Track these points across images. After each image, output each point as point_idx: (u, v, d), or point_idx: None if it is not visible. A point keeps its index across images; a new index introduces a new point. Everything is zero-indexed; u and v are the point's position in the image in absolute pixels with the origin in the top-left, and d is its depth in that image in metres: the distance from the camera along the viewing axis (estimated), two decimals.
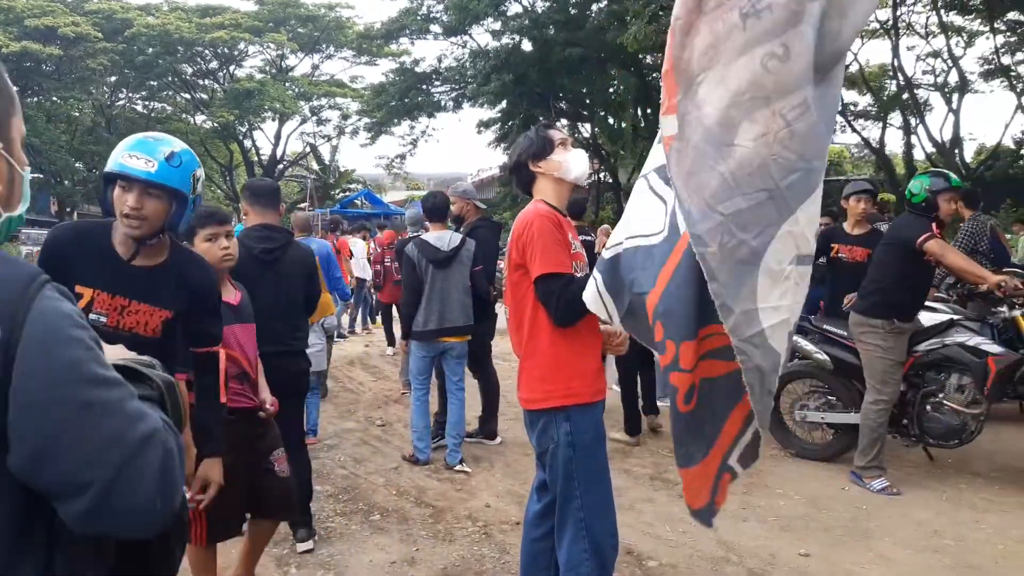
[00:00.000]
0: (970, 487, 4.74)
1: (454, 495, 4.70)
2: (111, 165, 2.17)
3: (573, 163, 2.81)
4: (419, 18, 24.07)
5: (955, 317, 4.84)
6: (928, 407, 4.79)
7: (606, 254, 2.42)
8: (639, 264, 2.27)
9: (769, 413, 2.07)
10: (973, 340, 4.69)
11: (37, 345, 0.92)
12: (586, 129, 26.23)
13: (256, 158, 35.97)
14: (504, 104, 23.80)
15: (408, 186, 40.32)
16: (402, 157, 30.89)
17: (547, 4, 22.17)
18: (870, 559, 3.79)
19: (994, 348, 4.63)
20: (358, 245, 11.77)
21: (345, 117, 34.60)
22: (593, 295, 2.45)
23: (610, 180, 24.09)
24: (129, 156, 2.14)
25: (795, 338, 5.29)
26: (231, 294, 3.05)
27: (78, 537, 0.99)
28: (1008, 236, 11.90)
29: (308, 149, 36.85)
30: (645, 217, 2.30)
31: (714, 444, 2.15)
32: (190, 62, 32.43)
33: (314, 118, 35.14)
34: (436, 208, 5.27)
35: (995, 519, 4.24)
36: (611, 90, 23.04)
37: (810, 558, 3.80)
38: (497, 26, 22.90)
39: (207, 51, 31.97)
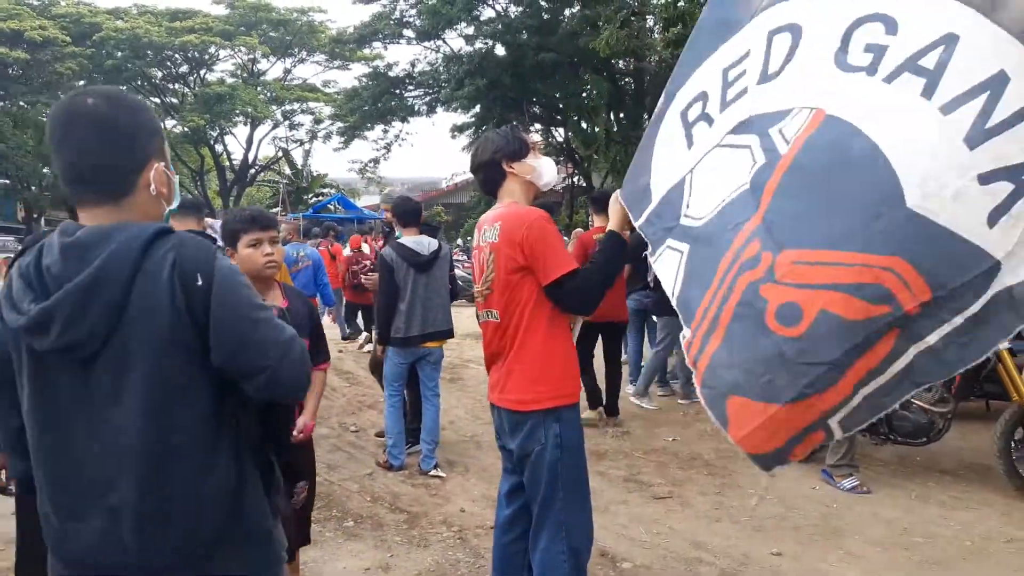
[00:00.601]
0: (938, 485, 4.81)
1: (428, 500, 4.68)
2: None
3: (545, 169, 2.84)
4: (392, 23, 24.03)
5: None
6: (897, 405, 4.83)
7: (694, 224, 2.28)
8: (739, 209, 2.07)
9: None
10: None
11: (223, 288, 1.47)
12: (560, 133, 26.31)
13: (228, 163, 35.65)
14: (478, 109, 23.82)
15: (382, 191, 40.17)
16: (375, 161, 30.78)
17: (520, 9, 22.23)
18: (840, 557, 3.83)
19: None
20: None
21: (318, 121, 34.44)
22: (671, 268, 2.32)
23: (583, 184, 24.20)
24: None
25: None
26: (277, 301, 2.85)
27: (249, 402, 1.57)
28: None
29: (280, 154, 36.59)
30: (730, 176, 2.16)
31: (815, 394, 1.83)
32: (160, 66, 32.13)
33: (286, 122, 34.96)
34: (410, 212, 5.25)
35: (963, 516, 4.31)
36: (584, 95, 23.15)
37: (782, 557, 3.84)
38: (470, 31, 22.93)
39: (177, 55, 31.68)
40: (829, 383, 1.80)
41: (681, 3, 13.09)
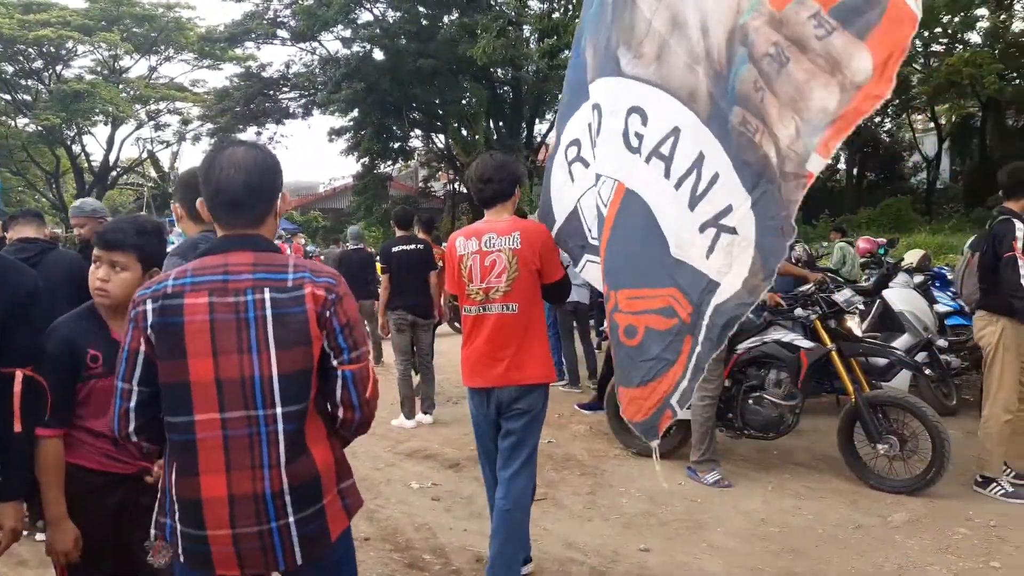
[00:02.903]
0: (793, 476, 5.10)
1: None
2: None
3: None
4: (265, 22, 23.38)
5: (772, 317, 5.22)
6: (750, 401, 5.14)
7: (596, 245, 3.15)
8: (594, 250, 3.11)
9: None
10: (788, 336, 5.08)
11: None
12: (440, 140, 26.29)
13: (86, 164, 33.55)
14: (356, 112, 23.49)
15: None
16: None
17: (398, 14, 22.09)
18: (703, 549, 3.99)
19: (805, 343, 5.04)
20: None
21: (186, 122, 32.97)
22: (596, 276, 3.21)
23: (464, 191, 24.30)
24: None
25: None
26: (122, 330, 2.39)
27: None
28: (825, 243, 13.16)
29: (145, 155, 34.78)
30: (595, 218, 3.10)
31: (652, 381, 2.73)
32: (11, 61, 29.74)
33: (151, 123, 33.27)
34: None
35: (815, 505, 4.58)
36: (464, 102, 23.27)
37: (649, 552, 3.96)
38: (347, 34, 22.63)
39: (31, 49, 29.45)
40: (660, 372, 2.69)
41: (556, 15, 13.43)
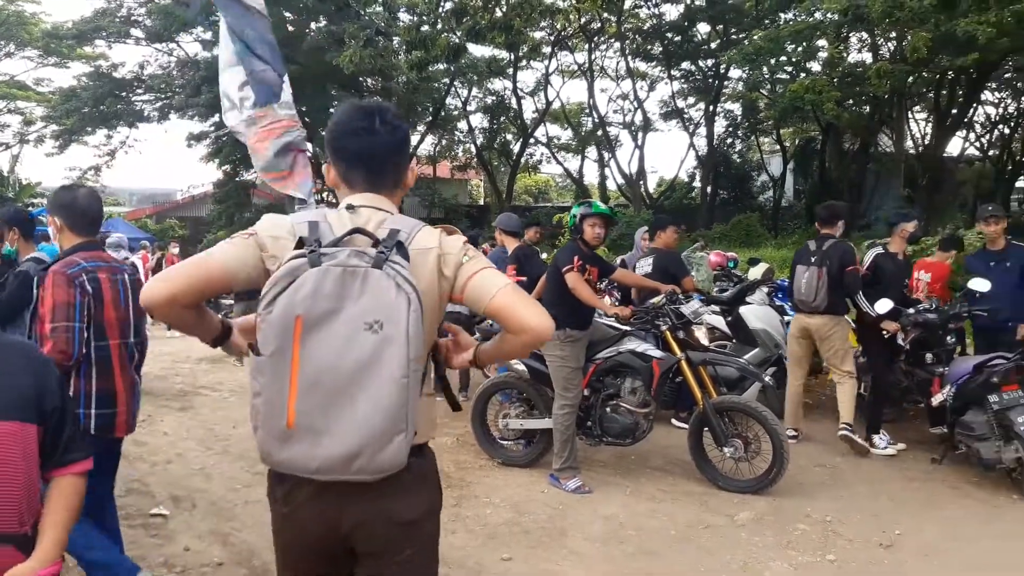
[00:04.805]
0: (649, 480, 5.32)
1: (148, 542, 4.29)
2: None
3: None
4: (118, 20, 22.13)
5: (627, 328, 5.44)
6: (608, 409, 5.33)
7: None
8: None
9: None
10: (641, 347, 5.30)
11: None
12: (309, 148, 25.56)
13: None
14: (217, 117, 22.53)
15: (107, 202, 36.41)
16: (97, 169, 28.00)
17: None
18: (564, 556, 4.09)
19: (657, 353, 5.27)
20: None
21: (28, 123, 30.53)
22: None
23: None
24: None
25: None
26: None
27: None
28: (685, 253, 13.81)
29: None
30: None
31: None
32: None
33: None
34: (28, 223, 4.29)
35: (668, 507, 4.79)
36: (331, 110, 22.85)
37: (512, 561, 4.02)
38: (208, 36, 21.76)
39: None
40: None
41: (424, 28, 13.46)
